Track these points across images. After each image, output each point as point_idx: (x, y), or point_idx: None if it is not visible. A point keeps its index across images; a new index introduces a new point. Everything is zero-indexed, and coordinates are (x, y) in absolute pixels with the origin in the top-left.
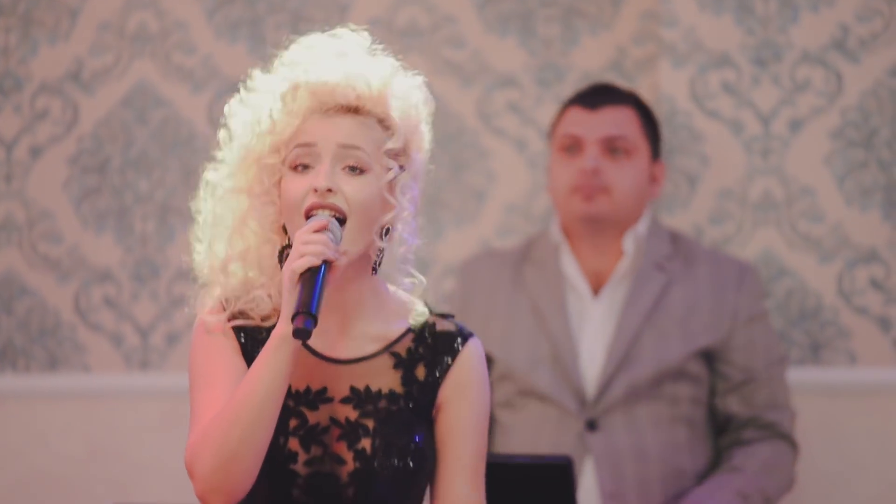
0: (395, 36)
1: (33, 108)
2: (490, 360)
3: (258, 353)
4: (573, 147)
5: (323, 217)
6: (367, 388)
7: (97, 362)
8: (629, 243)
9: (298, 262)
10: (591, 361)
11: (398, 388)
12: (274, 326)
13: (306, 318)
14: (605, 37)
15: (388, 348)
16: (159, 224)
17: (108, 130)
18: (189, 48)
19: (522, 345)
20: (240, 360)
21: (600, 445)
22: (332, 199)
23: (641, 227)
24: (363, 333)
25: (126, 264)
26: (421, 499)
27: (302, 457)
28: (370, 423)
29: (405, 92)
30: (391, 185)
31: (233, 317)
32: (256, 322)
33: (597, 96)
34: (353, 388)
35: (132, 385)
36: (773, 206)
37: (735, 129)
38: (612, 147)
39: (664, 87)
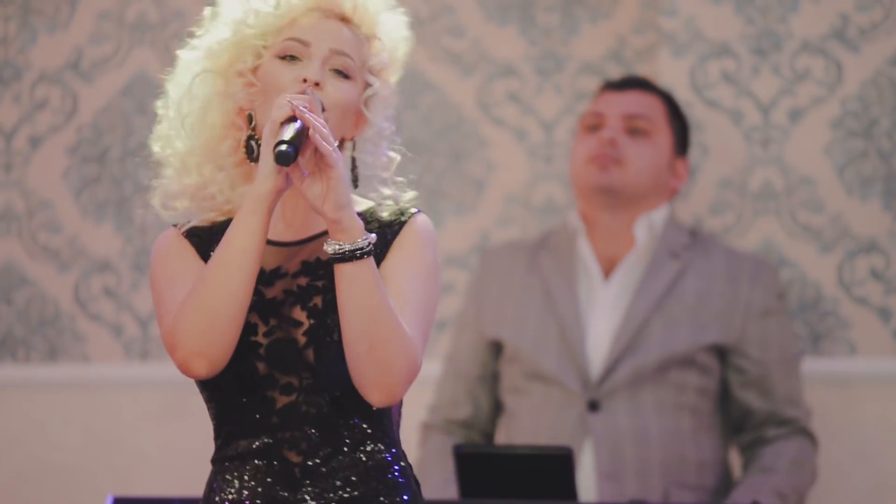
0: None
1: (33, 98)
2: (501, 345)
3: (213, 250)
4: (596, 125)
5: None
6: (318, 259)
7: (97, 352)
8: (641, 230)
9: (279, 112)
10: (598, 343)
11: None
12: (226, 223)
13: (287, 145)
14: (605, 26)
15: None
16: (159, 214)
17: (107, 120)
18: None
19: (532, 326)
20: (199, 261)
21: (601, 426)
22: (318, 94)
23: (657, 216)
24: (318, 220)
25: (126, 254)
26: None
27: (262, 328)
28: (321, 283)
29: (394, 23)
30: (368, 101)
31: (186, 229)
32: (208, 224)
33: (627, 81)
34: (303, 262)
35: (132, 375)
36: (773, 196)
37: (735, 118)
38: (632, 126)
39: (664, 77)
